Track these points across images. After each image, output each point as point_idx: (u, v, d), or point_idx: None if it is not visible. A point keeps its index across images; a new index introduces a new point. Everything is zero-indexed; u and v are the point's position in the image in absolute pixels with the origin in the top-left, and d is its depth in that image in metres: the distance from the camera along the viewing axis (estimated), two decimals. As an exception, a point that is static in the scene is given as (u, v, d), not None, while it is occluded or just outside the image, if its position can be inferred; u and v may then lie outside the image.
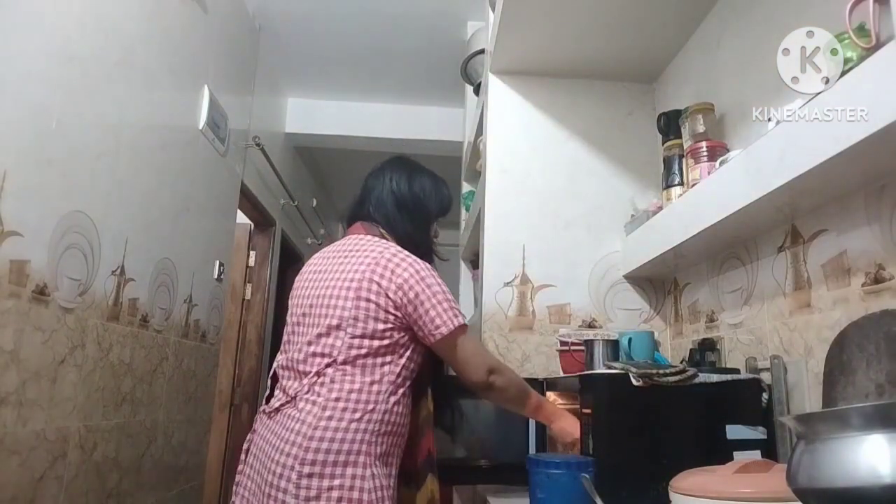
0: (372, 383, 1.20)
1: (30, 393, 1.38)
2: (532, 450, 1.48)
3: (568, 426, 1.32)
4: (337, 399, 1.17)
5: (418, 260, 1.28)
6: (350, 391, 1.18)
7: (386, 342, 1.21)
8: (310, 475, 1.11)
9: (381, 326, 1.21)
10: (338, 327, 1.21)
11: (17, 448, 1.34)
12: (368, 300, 1.21)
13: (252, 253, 3.50)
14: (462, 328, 1.25)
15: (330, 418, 1.15)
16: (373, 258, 1.25)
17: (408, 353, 1.24)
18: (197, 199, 2.36)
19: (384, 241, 1.32)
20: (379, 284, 1.22)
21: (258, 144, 2.99)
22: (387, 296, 1.21)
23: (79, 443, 1.59)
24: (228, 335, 3.15)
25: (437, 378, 1.38)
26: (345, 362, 1.20)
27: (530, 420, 1.46)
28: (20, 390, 1.34)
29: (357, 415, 1.17)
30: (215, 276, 2.63)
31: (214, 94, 2.43)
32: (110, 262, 1.72)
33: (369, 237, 1.32)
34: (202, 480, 2.57)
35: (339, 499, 1.11)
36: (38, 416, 1.42)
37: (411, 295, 1.22)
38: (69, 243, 1.51)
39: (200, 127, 2.34)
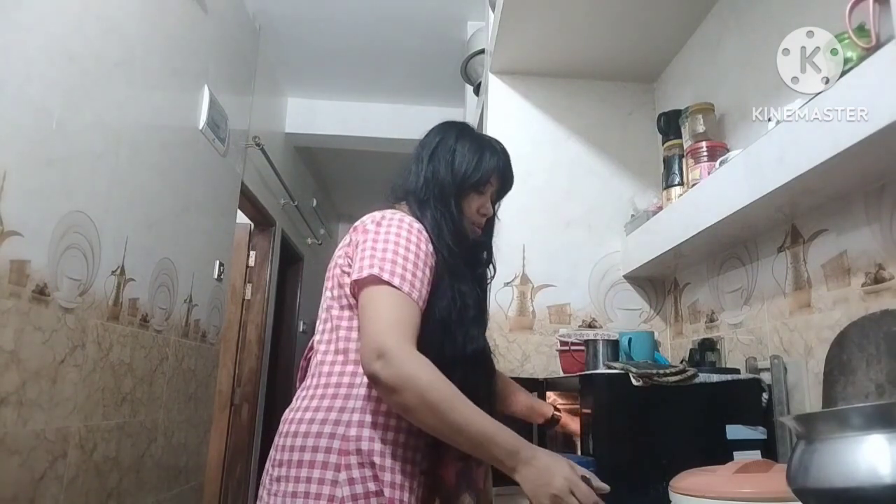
0: (346, 362, 0.97)
1: (30, 393, 1.38)
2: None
3: (546, 474, 0.87)
4: (307, 387, 0.99)
5: (402, 217, 1.01)
6: (320, 374, 0.98)
7: (354, 310, 0.99)
8: (277, 478, 0.93)
9: (337, 293, 1.02)
10: (320, 308, 1.07)
11: (17, 448, 1.34)
12: (336, 265, 1.04)
13: (252, 253, 3.50)
14: (373, 279, 0.91)
15: (297, 409, 0.97)
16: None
17: None
18: (197, 199, 2.36)
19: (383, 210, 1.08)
20: (346, 246, 1.04)
21: (258, 144, 2.99)
22: (346, 254, 1.03)
23: (79, 443, 1.58)
24: (228, 335, 3.14)
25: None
26: (320, 342, 1.02)
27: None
28: (20, 390, 1.34)
29: (325, 402, 0.95)
30: (215, 276, 2.63)
31: (214, 94, 2.43)
32: (110, 262, 1.72)
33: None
34: (202, 480, 2.57)
35: None
36: (39, 416, 1.42)
37: (360, 240, 0.99)
38: (69, 243, 1.51)
39: (200, 127, 2.34)
